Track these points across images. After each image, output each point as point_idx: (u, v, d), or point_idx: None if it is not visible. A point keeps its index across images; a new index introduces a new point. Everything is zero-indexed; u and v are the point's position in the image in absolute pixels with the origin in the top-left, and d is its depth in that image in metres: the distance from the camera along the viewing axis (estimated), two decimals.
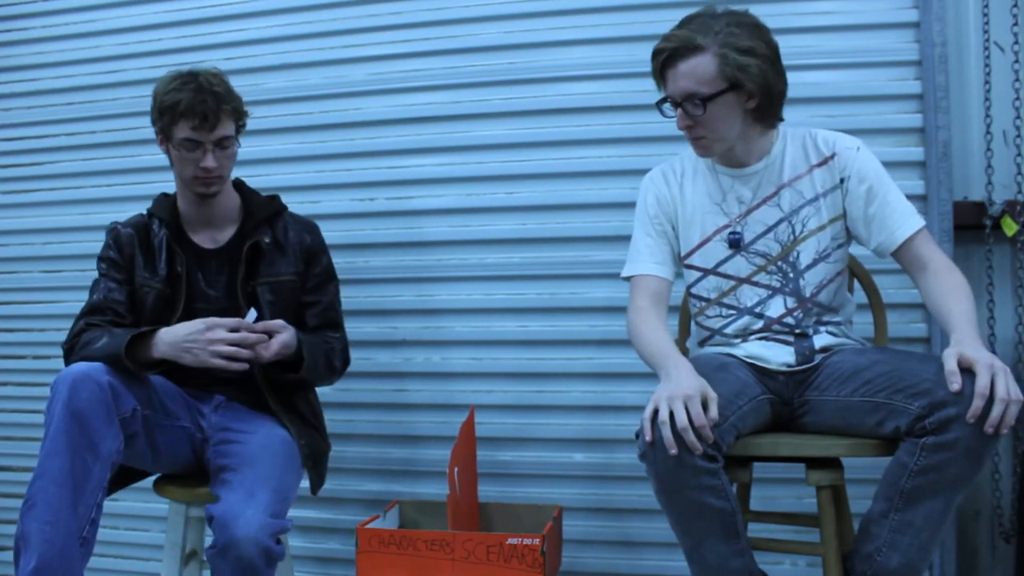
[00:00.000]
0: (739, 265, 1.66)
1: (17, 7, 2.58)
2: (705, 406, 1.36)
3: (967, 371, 1.32)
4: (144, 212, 1.88)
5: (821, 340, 1.63)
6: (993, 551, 2.12)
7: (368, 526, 1.68)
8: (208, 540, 1.55)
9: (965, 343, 1.36)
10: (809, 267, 1.63)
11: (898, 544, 1.40)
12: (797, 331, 1.64)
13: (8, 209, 2.59)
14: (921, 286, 1.57)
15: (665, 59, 1.55)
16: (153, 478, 1.82)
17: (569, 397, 2.24)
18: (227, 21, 2.43)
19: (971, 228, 2.07)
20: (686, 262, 1.71)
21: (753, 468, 1.64)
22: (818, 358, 1.61)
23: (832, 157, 1.63)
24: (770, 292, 1.64)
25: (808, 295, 1.63)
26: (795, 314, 1.64)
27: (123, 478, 1.72)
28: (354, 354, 2.29)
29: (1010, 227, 2.03)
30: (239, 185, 1.91)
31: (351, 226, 2.35)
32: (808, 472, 1.52)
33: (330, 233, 2.29)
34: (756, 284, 1.65)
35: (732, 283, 1.66)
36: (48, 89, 2.55)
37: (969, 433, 1.31)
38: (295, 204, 2.32)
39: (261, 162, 2.39)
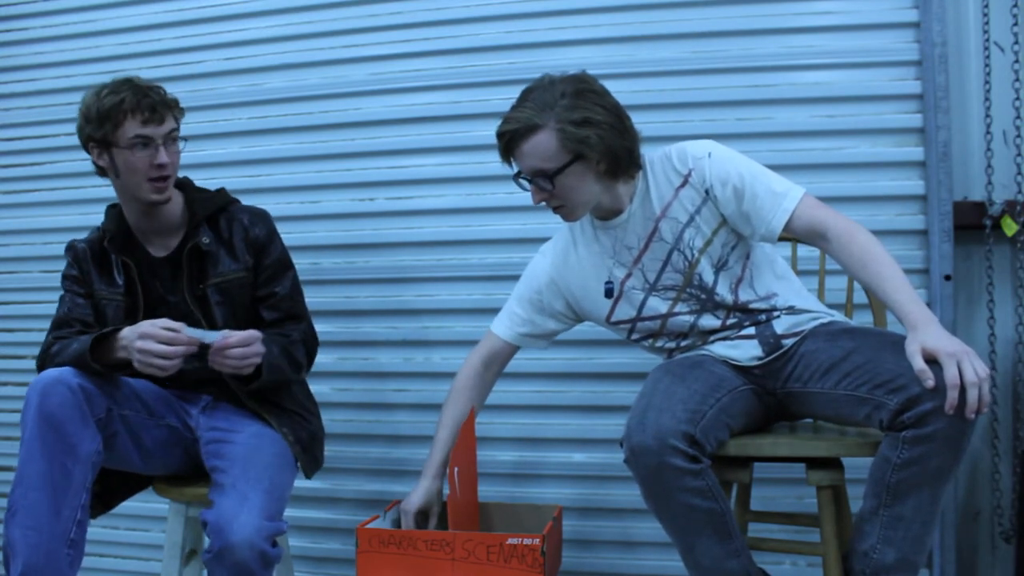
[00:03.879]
0: (656, 304, 1.67)
1: (17, 7, 2.58)
2: (427, 517, 1.74)
3: (934, 362, 1.33)
4: (99, 227, 1.81)
5: (781, 324, 1.62)
6: (993, 551, 2.12)
7: (368, 526, 1.68)
8: (208, 541, 1.55)
9: (920, 330, 1.36)
10: (715, 282, 1.63)
11: (892, 539, 1.41)
12: (747, 323, 1.64)
13: (8, 209, 2.59)
14: (831, 255, 1.55)
15: (507, 142, 1.58)
16: None
17: (569, 397, 2.24)
18: (227, 21, 2.42)
19: (971, 228, 2.07)
20: (611, 321, 1.72)
21: (753, 468, 1.63)
22: (787, 343, 1.60)
23: (690, 174, 1.62)
24: (696, 315, 1.65)
25: (731, 303, 1.64)
26: (731, 319, 1.64)
27: (124, 487, 1.71)
28: (354, 354, 2.30)
29: (1010, 227, 2.03)
30: (183, 185, 1.81)
31: (351, 226, 2.35)
32: (808, 472, 1.52)
33: (330, 233, 2.30)
34: (679, 314, 1.66)
35: (659, 321, 1.68)
36: (48, 89, 2.55)
37: (947, 424, 1.32)
38: (295, 204, 2.34)
39: (261, 162, 2.39)
